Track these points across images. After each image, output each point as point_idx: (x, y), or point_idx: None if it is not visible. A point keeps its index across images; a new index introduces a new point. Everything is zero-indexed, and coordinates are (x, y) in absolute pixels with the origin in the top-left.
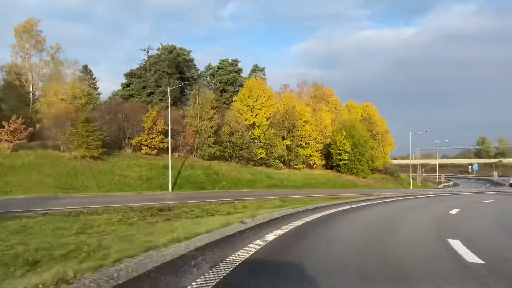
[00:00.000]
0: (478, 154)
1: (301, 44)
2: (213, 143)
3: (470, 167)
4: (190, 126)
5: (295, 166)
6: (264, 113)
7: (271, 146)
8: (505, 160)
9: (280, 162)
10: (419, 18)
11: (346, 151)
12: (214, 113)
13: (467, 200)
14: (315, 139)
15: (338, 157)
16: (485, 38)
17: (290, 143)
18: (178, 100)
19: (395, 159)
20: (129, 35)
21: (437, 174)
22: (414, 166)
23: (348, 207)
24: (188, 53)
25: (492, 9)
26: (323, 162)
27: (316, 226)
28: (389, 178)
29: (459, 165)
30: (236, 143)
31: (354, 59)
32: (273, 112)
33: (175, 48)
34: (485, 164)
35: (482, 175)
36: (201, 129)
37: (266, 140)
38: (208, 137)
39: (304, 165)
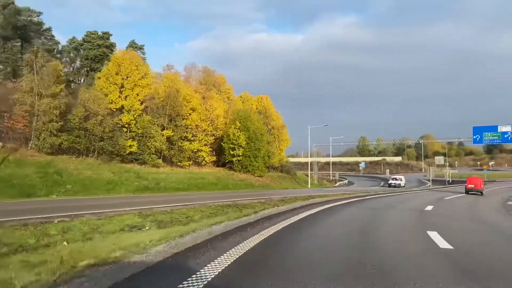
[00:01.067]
0: (361, 153)
1: (197, 41)
2: (59, 131)
3: (360, 165)
4: (21, 105)
5: (178, 163)
6: (137, 95)
7: (146, 137)
8: (388, 159)
9: (159, 158)
10: (307, 26)
11: (241, 146)
12: (61, 89)
13: (403, 207)
14: (204, 130)
15: (231, 153)
16: (366, 48)
17: (172, 134)
18: (18, 72)
19: (288, 156)
20: None
21: (331, 172)
22: (310, 163)
23: (263, 236)
24: (38, 15)
25: (370, 23)
26: (214, 158)
27: None
28: (286, 176)
29: (347, 163)
30: (94, 131)
31: (249, 60)
32: (149, 95)
33: (12, 3)
34: (370, 162)
35: (369, 173)
36: (39, 110)
37: (138, 129)
38: (50, 121)
39: (191, 162)
